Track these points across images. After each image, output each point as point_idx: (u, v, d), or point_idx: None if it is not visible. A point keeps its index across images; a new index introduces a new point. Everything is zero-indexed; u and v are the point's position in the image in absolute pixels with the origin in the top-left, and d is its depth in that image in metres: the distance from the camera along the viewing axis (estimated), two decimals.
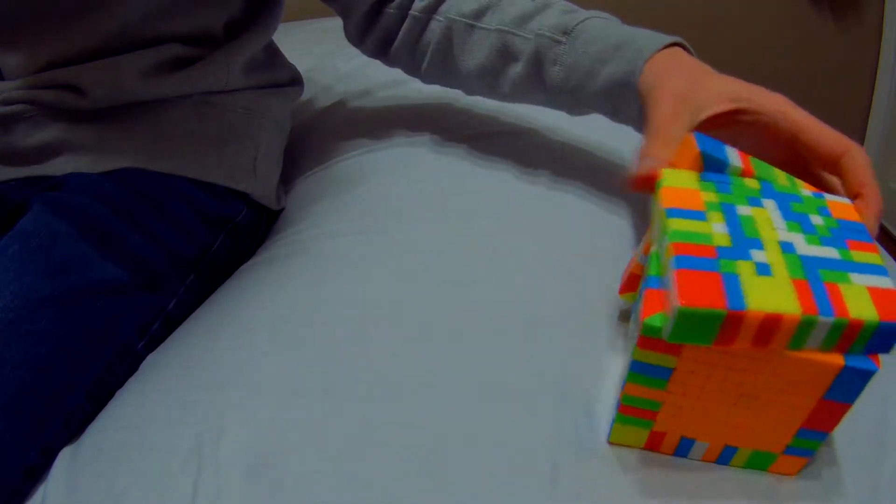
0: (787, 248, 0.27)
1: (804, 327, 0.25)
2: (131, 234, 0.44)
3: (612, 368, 0.34)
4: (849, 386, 0.26)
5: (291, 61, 0.62)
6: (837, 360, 0.25)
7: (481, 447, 0.30)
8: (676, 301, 0.24)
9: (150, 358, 0.41)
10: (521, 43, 0.46)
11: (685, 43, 0.42)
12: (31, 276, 0.39)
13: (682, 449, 0.31)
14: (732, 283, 0.25)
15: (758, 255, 0.27)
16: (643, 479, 0.30)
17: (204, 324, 0.42)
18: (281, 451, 0.30)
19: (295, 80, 0.61)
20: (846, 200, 0.31)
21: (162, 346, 0.42)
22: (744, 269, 0.26)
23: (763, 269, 0.26)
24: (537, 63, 0.46)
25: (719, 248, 0.27)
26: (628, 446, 0.31)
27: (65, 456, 0.35)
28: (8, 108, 0.45)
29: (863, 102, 1.72)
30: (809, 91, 1.73)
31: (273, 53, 0.60)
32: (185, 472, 0.30)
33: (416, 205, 0.49)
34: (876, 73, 1.67)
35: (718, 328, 0.25)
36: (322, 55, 0.61)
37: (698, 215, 0.29)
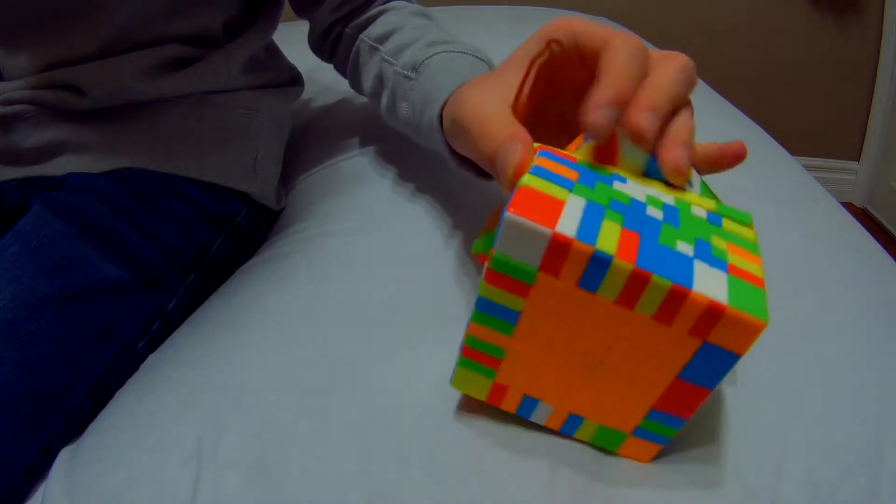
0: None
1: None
2: (131, 233, 0.45)
3: None
4: (709, 367, 0.23)
5: (292, 61, 0.62)
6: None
7: (482, 446, 0.30)
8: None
9: (151, 358, 0.41)
10: (390, 73, 0.47)
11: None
12: (31, 276, 0.39)
13: (525, 408, 0.29)
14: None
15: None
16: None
17: (204, 324, 0.42)
18: (281, 451, 0.30)
19: (295, 80, 0.61)
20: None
21: (162, 346, 0.42)
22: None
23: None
24: (394, 97, 0.47)
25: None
26: (471, 395, 0.30)
27: (65, 456, 0.35)
28: (8, 109, 0.45)
29: (863, 102, 1.72)
30: (810, 91, 1.73)
31: (273, 53, 0.60)
32: (185, 472, 0.30)
33: (417, 205, 0.50)
34: (876, 73, 1.67)
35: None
36: None
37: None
